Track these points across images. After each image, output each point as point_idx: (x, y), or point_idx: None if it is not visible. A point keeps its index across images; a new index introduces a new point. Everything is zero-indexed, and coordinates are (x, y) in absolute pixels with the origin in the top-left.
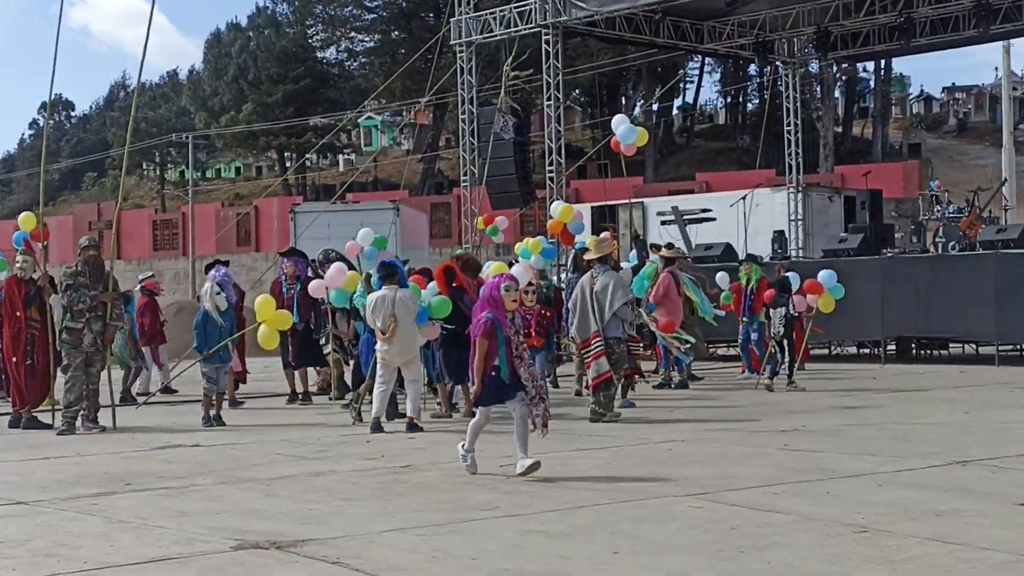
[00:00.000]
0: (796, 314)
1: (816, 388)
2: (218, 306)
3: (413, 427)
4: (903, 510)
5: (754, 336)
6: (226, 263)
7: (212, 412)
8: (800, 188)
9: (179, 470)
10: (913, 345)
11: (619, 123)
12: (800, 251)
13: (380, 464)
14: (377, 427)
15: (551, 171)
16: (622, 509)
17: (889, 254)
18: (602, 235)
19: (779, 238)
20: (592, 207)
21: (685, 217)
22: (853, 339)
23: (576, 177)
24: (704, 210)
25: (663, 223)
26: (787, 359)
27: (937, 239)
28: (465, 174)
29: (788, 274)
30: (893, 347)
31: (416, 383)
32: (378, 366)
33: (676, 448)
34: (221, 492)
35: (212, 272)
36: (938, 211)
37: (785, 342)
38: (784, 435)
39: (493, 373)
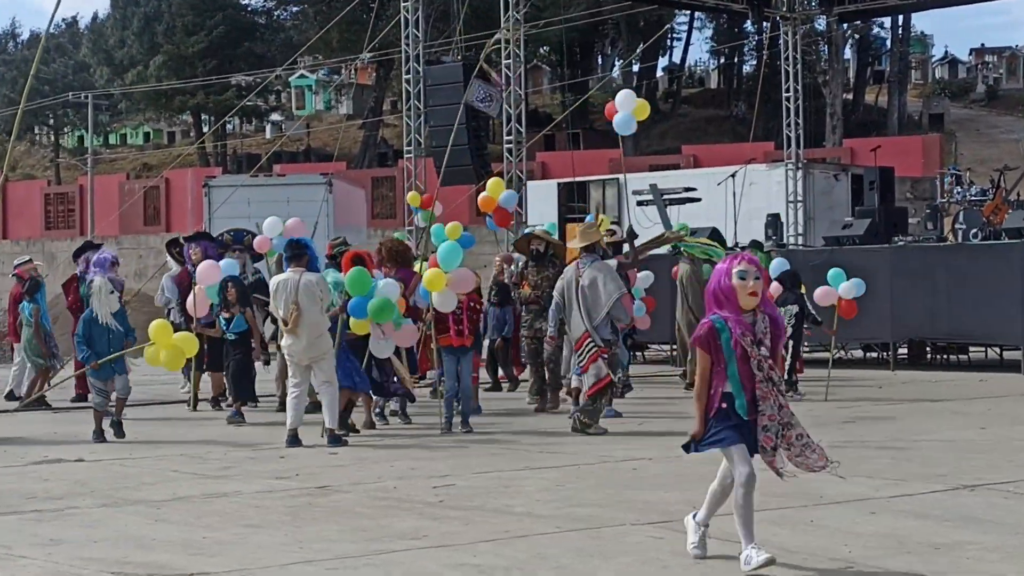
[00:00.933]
0: (813, 313)
1: (812, 398)
2: (110, 309)
3: (335, 440)
4: (897, 542)
5: None
6: (98, 246)
7: (109, 420)
8: (800, 164)
9: (56, 489)
10: (928, 349)
11: (625, 101)
12: (799, 238)
13: (293, 484)
14: (294, 440)
15: (510, 142)
16: (568, 540)
17: (900, 242)
18: (588, 220)
19: (773, 222)
20: (559, 183)
21: (666, 197)
22: (859, 341)
23: (542, 148)
24: (688, 189)
25: (639, 204)
26: (786, 366)
27: (957, 226)
28: (409, 143)
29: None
30: (904, 351)
31: (330, 385)
32: (288, 366)
33: (641, 467)
34: (102, 516)
35: (96, 258)
36: (959, 193)
37: (791, 343)
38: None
39: (722, 405)
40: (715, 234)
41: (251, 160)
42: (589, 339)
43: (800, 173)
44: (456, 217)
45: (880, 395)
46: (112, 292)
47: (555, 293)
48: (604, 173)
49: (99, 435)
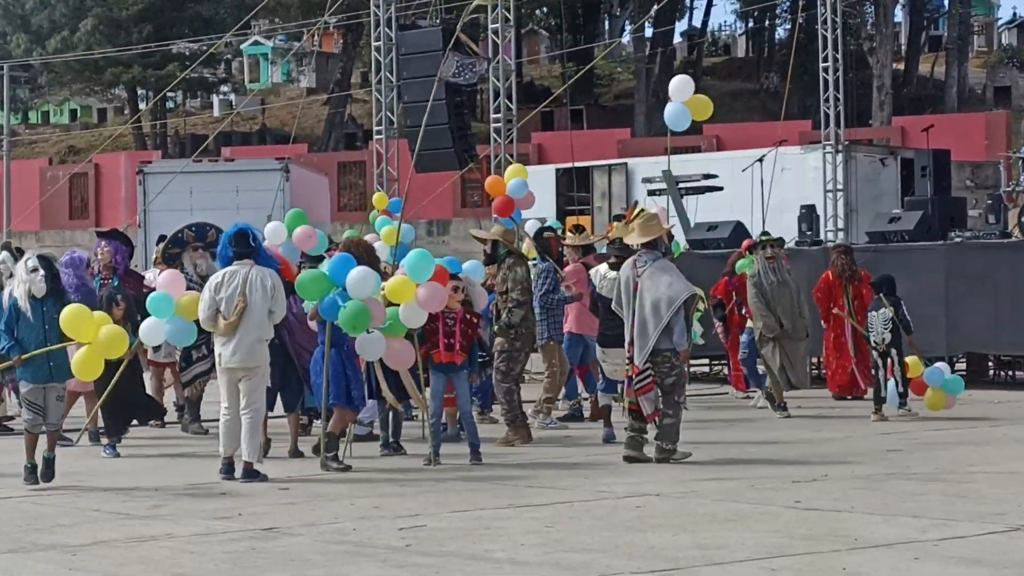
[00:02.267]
0: (908, 319)
1: (848, 422)
2: (33, 292)
3: (250, 475)
4: None
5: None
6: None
7: (46, 454)
8: (841, 147)
9: None
10: (989, 363)
11: (681, 89)
12: (839, 233)
13: (234, 525)
14: (229, 470)
15: (498, 120)
16: None
17: (958, 239)
18: (644, 211)
19: (808, 215)
20: (558, 169)
21: (682, 185)
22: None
23: (539, 128)
24: (708, 176)
25: (650, 193)
26: (898, 376)
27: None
28: (380, 122)
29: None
30: (962, 366)
31: (256, 411)
32: (219, 381)
33: (647, 505)
34: (8, 564)
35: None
36: None
37: (894, 352)
38: (797, 488)
39: None
40: (739, 229)
41: (196, 142)
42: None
43: (840, 157)
44: (438, 210)
45: (931, 417)
46: (35, 270)
47: (609, 294)
48: (612, 157)
49: (31, 472)
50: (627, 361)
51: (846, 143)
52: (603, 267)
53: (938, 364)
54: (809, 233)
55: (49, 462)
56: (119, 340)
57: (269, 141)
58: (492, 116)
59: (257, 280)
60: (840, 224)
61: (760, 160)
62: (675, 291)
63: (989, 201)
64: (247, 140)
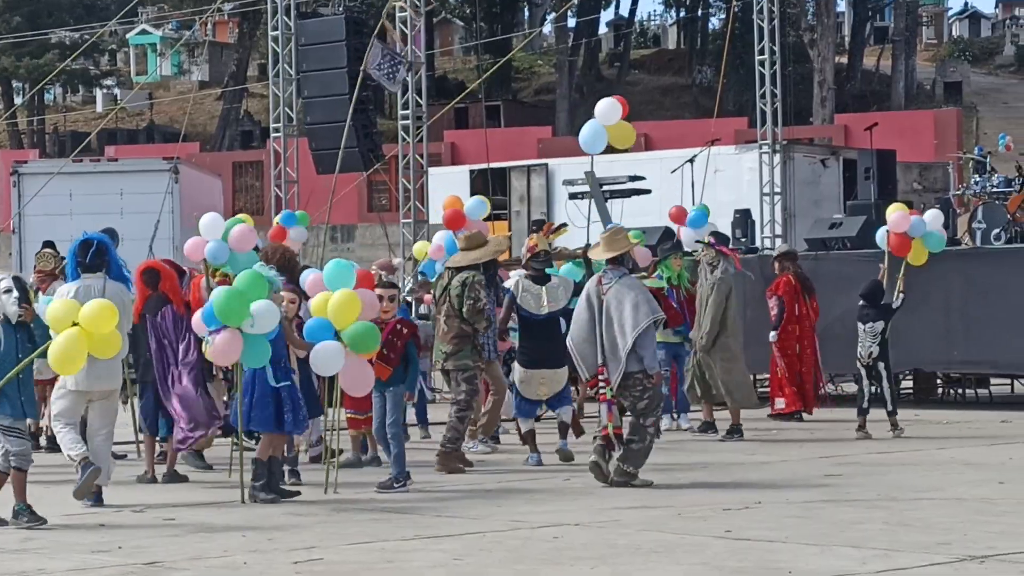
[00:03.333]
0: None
1: (785, 446)
2: (7, 315)
3: (98, 499)
4: None
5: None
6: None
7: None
8: (778, 147)
9: None
10: (939, 381)
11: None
12: (776, 240)
13: (113, 559)
14: (98, 499)
15: (407, 117)
16: None
17: None
18: (612, 226)
19: (743, 220)
20: (471, 171)
21: (606, 188)
22: (851, 372)
23: (452, 126)
24: (634, 178)
25: (572, 197)
26: (887, 390)
27: (975, 225)
28: (277, 119)
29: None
30: (909, 384)
31: (107, 436)
32: (59, 399)
33: (564, 535)
34: None
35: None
36: (977, 183)
37: (882, 367)
38: (728, 516)
39: None
40: (668, 235)
41: (77, 140)
42: (603, 374)
43: (778, 158)
44: (342, 215)
45: (875, 439)
46: (8, 291)
47: (575, 312)
48: (531, 157)
49: (25, 513)
50: (602, 383)
51: (784, 142)
52: (518, 277)
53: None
54: (744, 240)
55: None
56: (108, 315)
57: (157, 139)
58: (400, 113)
59: (112, 296)
60: (778, 230)
61: (691, 160)
62: (641, 313)
63: (937, 205)
64: (133, 138)
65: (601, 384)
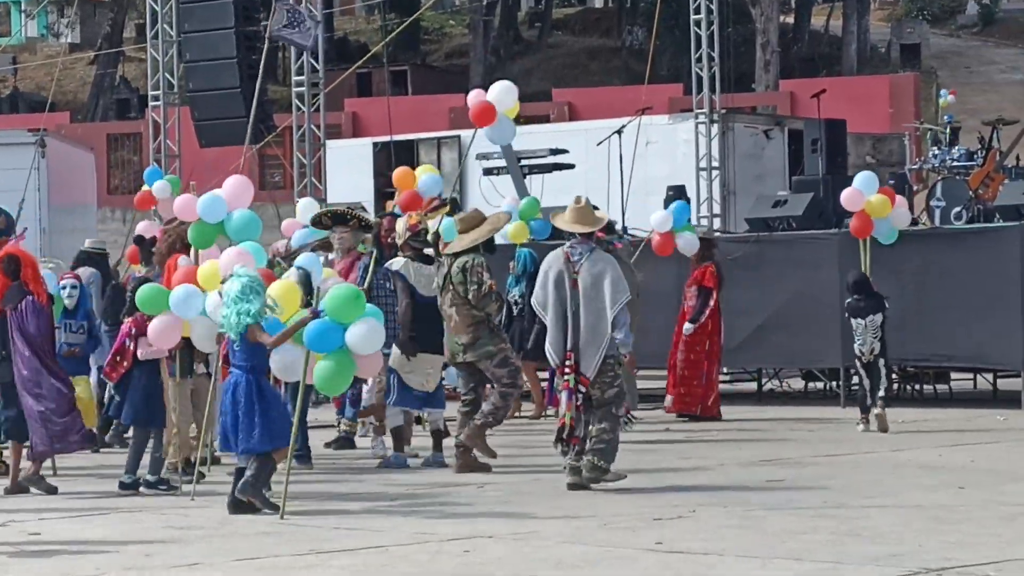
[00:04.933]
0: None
1: (727, 445)
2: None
3: None
4: None
5: None
6: None
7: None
8: (717, 116)
9: None
10: (893, 377)
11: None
12: (714, 220)
13: None
14: None
15: (302, 84)
16: None
17: None
18: (579, 197)
19: (677, 197)
20: (375, 143)
21: (525, 163)
22: (798, 367)
23: (354, 93)
24: (556, 151)
25: (487, 173)
26: (883, 384)
27: (933, 203)
28: (156, 86)
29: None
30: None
31: None
32: None
33: (476, 549)
34: None
35: None
36: (935, 156)
37: (882, 363)
38: (659, 526)
39: None
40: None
41: None
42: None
43: (716, 128)
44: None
45: (824, 440)
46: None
47: (536, 291)
48: (442, 128)
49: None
50: (568, 370)
51: (723, 111)
52: (405, 260)
53: None
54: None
55: None
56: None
57: (22, 108)
58: (295, 79)
59: None
60: (715, 208)
61: (619, 131)
62: (619, 289)
63: (892, 181)
64: None
65: (567, 371)
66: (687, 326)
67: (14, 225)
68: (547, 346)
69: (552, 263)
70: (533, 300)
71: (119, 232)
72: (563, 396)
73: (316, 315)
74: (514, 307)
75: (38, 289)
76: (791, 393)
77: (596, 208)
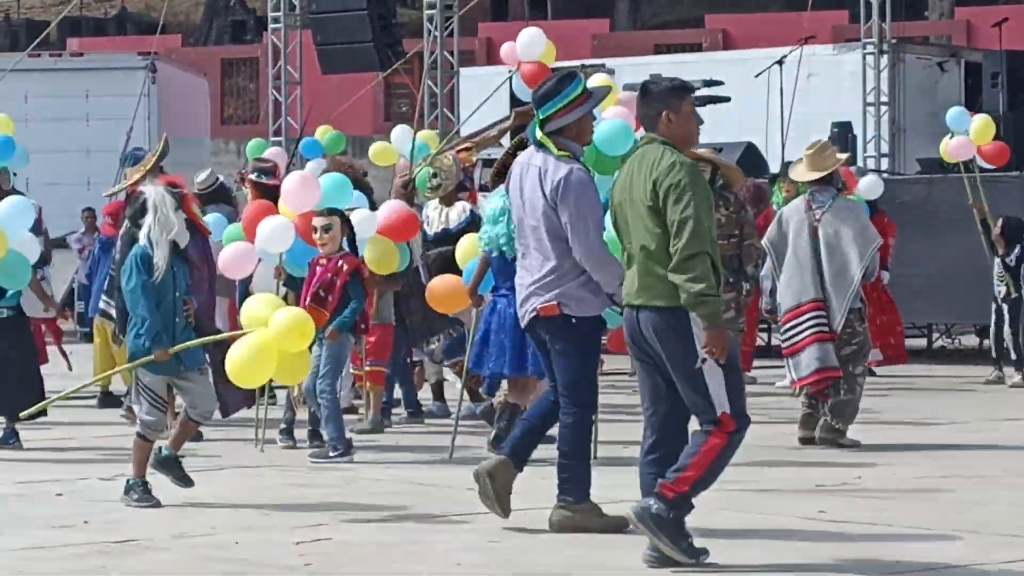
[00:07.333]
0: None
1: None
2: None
3: None
4: None
5: None
6: None
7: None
8: (886, 47)
9: None
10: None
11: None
12: (882, 160)
13: (79, 536)
14: None
15: (433, 6)
16: None
17: None
18: (819, 141)
19: (842, 135)
20: (511, 72)
21: None
22: (972, 323)
23: (489, 17)
24: (711, 82)
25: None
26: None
27: None
28: (276, 7)
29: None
30: None
31: None
32: None
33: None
34: None
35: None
36: None
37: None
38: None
39: None
40: (751, 153)
41: (33, 30)
42: (815, 311)
43: (886, 60)
44: (355, 125)
45: (1000, 404)
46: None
47: (766, 242)
48: (585, 57)
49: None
50: (808, 325)
51: (893, 41)
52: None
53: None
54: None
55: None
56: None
57: (130, 31)
58: (426, 1)
59: None
60: (883, 148)
61: (780, 62)
62: (868, 238)
63: None
64: (101, 29)
65: (814, 322)
66: (885, 275)
67: None
68: (777, 296)
69: (793, 212)
70: (764, 240)
71: (233, 165)
72: (804, 356)
73: None
74: None
75: (201, 226)
76: (963, 351)
77: (828, 148)
